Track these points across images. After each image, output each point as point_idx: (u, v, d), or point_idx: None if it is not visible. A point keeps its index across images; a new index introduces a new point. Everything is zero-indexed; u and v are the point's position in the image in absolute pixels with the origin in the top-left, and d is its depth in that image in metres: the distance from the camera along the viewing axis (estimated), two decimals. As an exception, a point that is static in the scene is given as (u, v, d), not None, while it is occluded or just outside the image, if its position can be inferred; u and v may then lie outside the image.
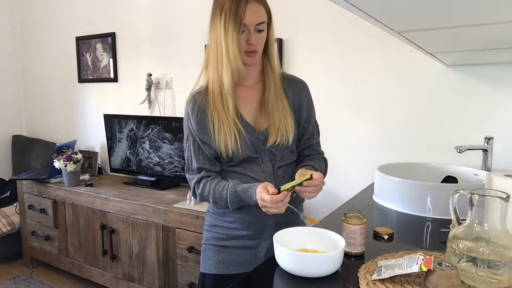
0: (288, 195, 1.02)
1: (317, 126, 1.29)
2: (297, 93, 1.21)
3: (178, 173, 2.51)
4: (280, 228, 1.07)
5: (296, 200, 1.19)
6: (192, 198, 1.11)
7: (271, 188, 1.01)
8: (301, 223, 1.20)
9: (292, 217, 1.19)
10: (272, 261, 0.95)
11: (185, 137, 1.18)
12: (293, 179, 1.18)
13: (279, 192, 1.01)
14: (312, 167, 1.17)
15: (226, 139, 1.09)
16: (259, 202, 1.03)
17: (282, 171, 1.18)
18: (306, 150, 1.26)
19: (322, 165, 1.22)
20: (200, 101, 1.13)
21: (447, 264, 0.77)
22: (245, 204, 1.10)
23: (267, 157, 1.16)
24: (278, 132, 1.13)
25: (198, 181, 1.16)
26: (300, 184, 1.03)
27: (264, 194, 1.00)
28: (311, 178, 1.02)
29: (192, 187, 1.18)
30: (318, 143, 1.29)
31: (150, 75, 2.74)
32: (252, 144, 1.13)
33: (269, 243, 1.19)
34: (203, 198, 1.16)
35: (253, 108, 1.16)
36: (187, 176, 1.20)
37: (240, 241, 1.19)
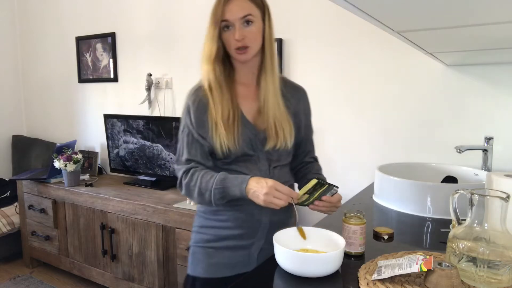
0: (298, 194, 1.04)
1: (313, 132, 1.31)
2: (297, 99, 1.22)
3: (178, 173, 2.51)
4: (274, 227, 1.07)
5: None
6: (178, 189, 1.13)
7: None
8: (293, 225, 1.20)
9: (286, 216, 1.19)
10: (272, 261, 0.95)
11: (181, 128, 1.15)
12: (289, 179, 1.22)
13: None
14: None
15: (222, 137, 1.07)
16: (266, 190, 0.98)
17: (278, 171, 1.17)
18: (306, 157, 1.28)
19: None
20: (202, 95, 1.12)
21: (447, 264, 0.77)
22: (229, 194, 1.04)
23: (263, 156, 1.14)
24: (277, 137, 1.12)
25: (186, 171, 1.11)
26: (319, 198, 1.05)
27: (279, 184, 1.01)
28: (328, 187, 1.04)
29: (179, 177, 1.13)
30: (314, 148, 1.32)
31: (150, 75, 2.74)
32: (250, 141, 1.11)
33: (262, 243, 1.16)
34: (188, 190, 1.10)
35: (253, 107, 1.15)
36: (175, 167, 1.16)
37: (232, 241, 1.14)
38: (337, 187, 1.06)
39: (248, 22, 1.05)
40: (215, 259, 1.14)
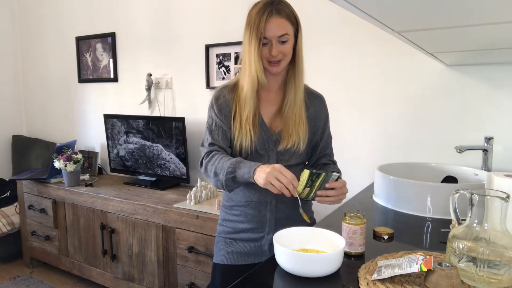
0: (297, 182, 1.07)
1: (331, 138, 1.36)
2: (316, 105, 1.31)
3: (178, 173, 2.51)
4: (279, 224, 1.19)
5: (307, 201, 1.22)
6: (199, 168, 1.25)
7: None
8: (300, 222, 1.21)
9: (290, 213, 1.24)
10: (272, 261, 0.95)
11: (207, 120, 1.27)
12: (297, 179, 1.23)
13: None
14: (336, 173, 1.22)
15: (242, 141, 1.19)
16: (269, 169, 1.03)
17: None
18: (323, 159, 1.33)
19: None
20: (227, 93, 1.23)
21: (447, 264, 0.77)
22: (239, 175, 1.10)
23: (273, 155, 1.23)
24: (290, 138, 1.21)
25: (208, 152, 1.22)
26: (323, 187, 1.08)
27: (285, 169, 1.05)
28: (326, 175, 1.06)
29: (201, 157, 1.25)
30: (332, 153, 1.37)
31: (150, 75, 2.74)
32: (263, 141, 1.21)
33: (271, 237, 1.23)
34: (206, 169, 1.21)
35: (272, 110, 1.25)
36: (200, 148, 1.27)
37: (246, 234, 1.26)
38: (338, 173, 1.08)
39: (283, 41, 1.14)
40: (233, 248, 1.28)
